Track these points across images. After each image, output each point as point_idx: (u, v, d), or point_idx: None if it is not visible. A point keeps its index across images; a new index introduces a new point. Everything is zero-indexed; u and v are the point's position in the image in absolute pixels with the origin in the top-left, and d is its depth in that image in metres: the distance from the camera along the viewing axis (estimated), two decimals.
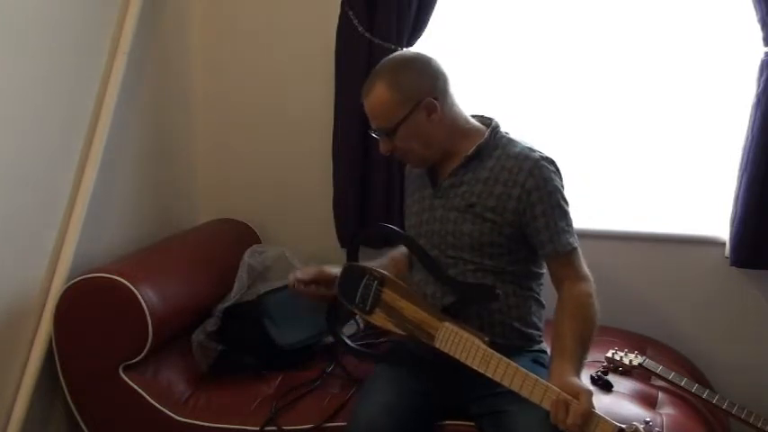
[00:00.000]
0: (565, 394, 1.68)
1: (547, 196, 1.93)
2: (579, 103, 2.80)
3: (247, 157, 2.99)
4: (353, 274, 2.03)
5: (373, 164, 2.70)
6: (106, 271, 2.24)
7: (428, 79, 1.96)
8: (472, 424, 1.98)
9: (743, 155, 2.50)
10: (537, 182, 1.92)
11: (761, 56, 2.44)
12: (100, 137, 2.40)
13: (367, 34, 2.63)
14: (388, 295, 1.95)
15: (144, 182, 2.74)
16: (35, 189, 2.25)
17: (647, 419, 1.72)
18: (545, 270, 2.03)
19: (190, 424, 2.19)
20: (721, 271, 2.62)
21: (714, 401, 2.15)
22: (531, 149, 1.98)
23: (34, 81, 2.22)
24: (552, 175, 1.95)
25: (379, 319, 1.97)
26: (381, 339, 2.43)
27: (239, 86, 2.95)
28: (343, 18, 2.66)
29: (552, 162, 1.98)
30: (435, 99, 1.95)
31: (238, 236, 2.86)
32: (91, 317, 2.24)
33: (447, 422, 2.02)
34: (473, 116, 2.07)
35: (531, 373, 1.73)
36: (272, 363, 2.40)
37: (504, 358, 1.77)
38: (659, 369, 2.20)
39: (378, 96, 1.95)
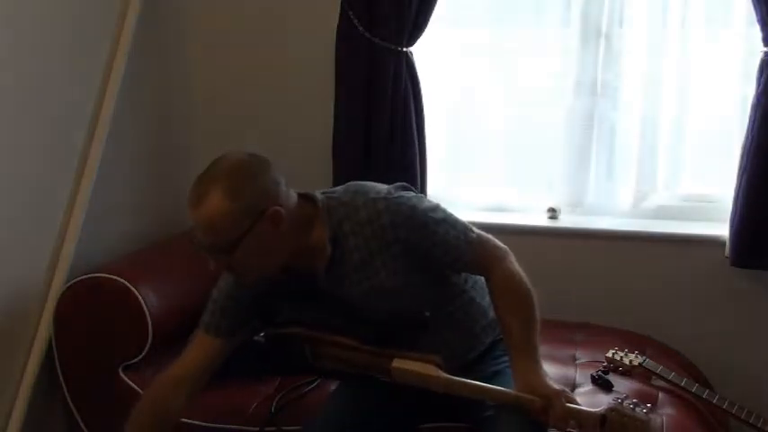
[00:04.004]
0: (537, 401, 1.65)
1: (423, 229, 1.75)
2: (579, 103, 2.80)
3: None
4: (277, 346, 1.92)
5: (374, 164, 2.70)
6: (106, 271, 2.24)
7: (271, 184, 1.70)
8: (461, 425, 1.97)
9: (743, 155, 2.50)
10: (405, 224, 1.73)
11: (761, 56, 2.44)
12: (100, 137, 2.41)
13: (367, 34, 2.63)
14: (326, 350, 1.83)
15: (144, 182, 2.74)
16: (35, 189, 2.25)
17: (618, 398, 1.72)
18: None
19: (190, 424, 2.19)
20: (721, 271, 2.62)
21: (714, 401, 2.15)
22: (368, 198, 1.75)
23: (34, 80, 2.22)
24: (403, 206, 1.74)
25: (330, 364, 1.85)
26: None
27: (239, 86, 2.94)
28: (343, 18, 2.66)
29: (390, 192, 1.77)
30: (280, 206, 1.68)
31: None
32: (91, 317, 2.24)
33: (442, 424, 2.01)
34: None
35: (496, 387, 1.71)
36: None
37: (464, 380, 1.72)
38: (659, 369, 2.20)
39: (213, 208, 1.61)
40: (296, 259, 1.76)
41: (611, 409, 1.64)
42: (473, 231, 1.81)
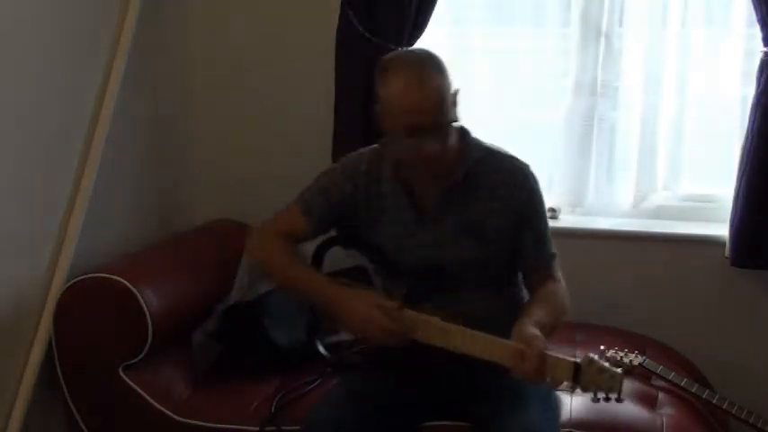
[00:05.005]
0: (518, 344, 1.69)
1: (538, 209, 1.94)
2: (579, 103, 2.80)
3: (247, 157, 2.98)
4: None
5: None
6: (106, 271, 2.24)
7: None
8: (467, 424, 1.98)
9: (743, 155, 2.50)
10: (530, 195, 1.92)
11: (761, 56, 2.44)
12: (100, 137, 2.41)
13: (367, 34, 2.63)
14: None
15: (144, 182, 2.74)
16: (35, 189, 2.25)
17: (595, 353, 1.74)
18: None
19: (190, 424, 2.19)
20: (721, 271, 2.62)
21: (714, 401, 2.15)
22: (512, 158, 1.94)
23: (34, 81, 2.22)
24: (538, 185, 1.94)
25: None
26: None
27: (239, 86, 2.94)
28: (343, 18, 2.66)
29: (530, 167, 1.95)
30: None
31: (238, 236, 2.84)
32: (91, 317, 2.24)
33: (443, 423, 2.01)
34: None
35: (486, 335, 1.75)
36: (272, 363, 2.39)
37: (461, 327, 1.78)
38: (659, 369, 2.20)
39: (435, 86, 1.76)
40: (436, 167, 1.84)
41: (586, 360, 1.66)
42: (555, 246, 1.97)
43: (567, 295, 1.94)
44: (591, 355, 1.67)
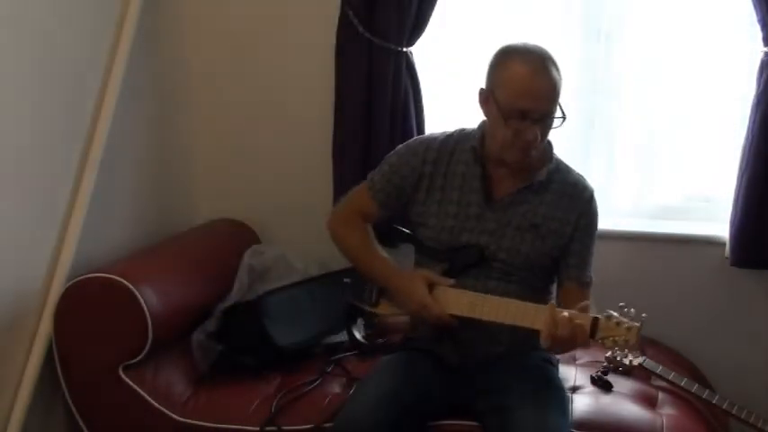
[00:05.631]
0: (552, 309, 1.79)
1: (591, 228, 2.07)
2: (579, 103, 2.80)
3: (247, 156, 2.98)
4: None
5: (373, 164, 2.69)
6: (106, 271, 2.24)
7: None
8: (475, 424, 1.99)
9: (743, 155, 2.50)
10: (590, 214, 2.06)
11: (761, 56, 2.44)
12: (100, 136, 2.40)
13: (367, 34, 2.63)
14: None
15: (144, 182, 2.74)
16: (35, 189, 2.25)
17: (621, 304, 1.81)
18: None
19: (190, 424, 2.19)
20: (721, 271, 2.62)
21: (714, 401, 2.15)
22: (583, 178, 2.10)
23: (35, 81, 2.22)
24: (597, 210, 2.08)
25: (384, 308, 2.11)
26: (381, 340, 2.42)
27: (239, 86, 2.94)
28: (343, 18, 2.66)
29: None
30: None
31: (238, 236, 2.85)
32: (91, 317, 2.24)
33: (450, 422, 2.02)
34: None
35: (516, 301, 1.90)
36: (272, 363, 2.39)
37: (490, 296, 1.92)
38: (659, 369, 2.20)
39: (555, 79, 1.93)
40: (529, 156, 1.99)
41: (605, 316, 1.73)
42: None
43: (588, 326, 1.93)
44: (610, 311, 1.74)
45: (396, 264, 2.13)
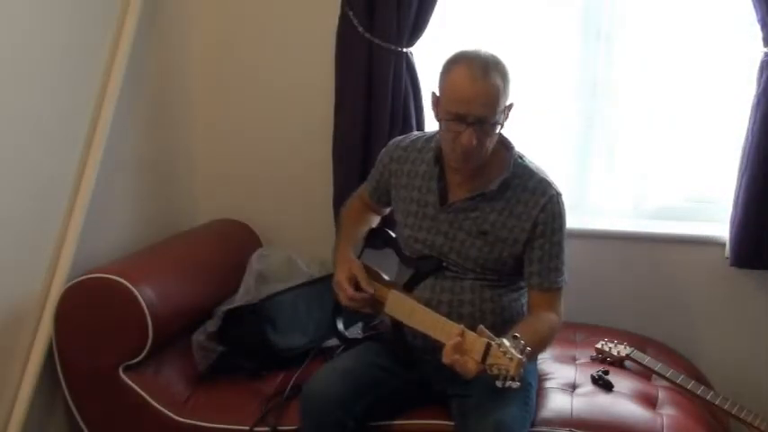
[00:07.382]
0: (459, 326, 1.80)
1: (551, 232, 2.02)
2: (579, 103, 2.80)
3: (247, 157, 2.99)
4: None
5: (373, 164, 2.70)
6: (106, 271, 2.24)
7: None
8: (451, 424, 2.02)
9: (743, 155, 2.50)
10: (547, 217, 2.01)
11: (761, 56, 2.44)
12: (100, 137, 2.40)
13: (367, 34, 2.63)
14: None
15: (144, 182, 2.74)
16: (35, 189, 2.25)
17: (516, 335, 1.76)
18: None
19: (190, 424, 2.20)
20: (721, 271, 2.62)
21: (714, 402, 2.16)
22: (547, 182, 2.05)
23: (34, 81, 2.22)
24: (562, 211, 2.04)
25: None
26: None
27: (239, 86, 2.94)
28: (343, 18, 2.66)
29: (561, 195, 2.06)
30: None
31: (238, 236, 2.86)
32: (91, 317, 2.24)
33: (423, 421, 2.08)
34: None
35: (434, 314, 1.94)
36: (271, 366, 2.39)
37: (423, 307, 1.98)
38: (646, 360, 2.26)
39: (494, 84, 1.92)
40: (468, 161, 2.00)
41: (497, 343, 1.71)
42: (565, 281, 2.06)
43: (556, 329, 2.02)
44: (503, 339, 1.72)
45: (350, 247, 2.20)
